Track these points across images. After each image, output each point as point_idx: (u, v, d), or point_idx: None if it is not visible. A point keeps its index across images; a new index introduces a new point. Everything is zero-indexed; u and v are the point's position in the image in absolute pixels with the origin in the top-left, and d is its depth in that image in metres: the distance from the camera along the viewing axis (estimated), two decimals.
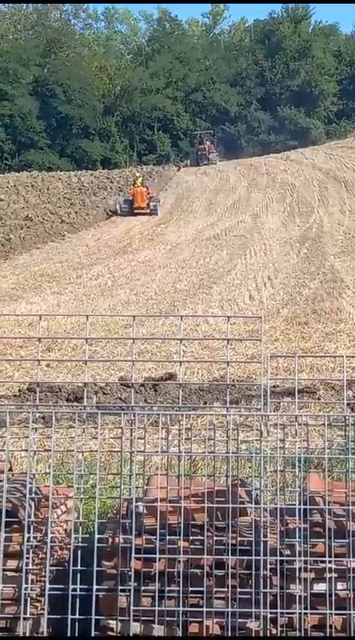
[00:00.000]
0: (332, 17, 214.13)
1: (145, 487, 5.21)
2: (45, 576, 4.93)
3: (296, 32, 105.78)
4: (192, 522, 4.91)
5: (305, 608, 4.79)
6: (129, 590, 4.81)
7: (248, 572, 4.83)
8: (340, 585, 4.84)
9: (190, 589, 4.82)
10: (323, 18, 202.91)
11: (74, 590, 4.84)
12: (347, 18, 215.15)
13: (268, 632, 4.77)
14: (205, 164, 76.00)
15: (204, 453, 5.29)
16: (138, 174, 60.36)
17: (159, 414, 5.54)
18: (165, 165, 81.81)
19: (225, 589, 4.81)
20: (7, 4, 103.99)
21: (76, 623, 4.80)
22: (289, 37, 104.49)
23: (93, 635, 4.77)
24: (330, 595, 4.79)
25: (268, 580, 4.81)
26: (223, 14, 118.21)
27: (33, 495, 5.08)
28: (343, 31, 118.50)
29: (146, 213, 52.23)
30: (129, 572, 4.82)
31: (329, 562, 4.81)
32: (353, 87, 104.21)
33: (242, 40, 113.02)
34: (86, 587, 4.83)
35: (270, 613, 4.77)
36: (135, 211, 52.22)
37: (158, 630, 4.82)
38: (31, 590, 4.93)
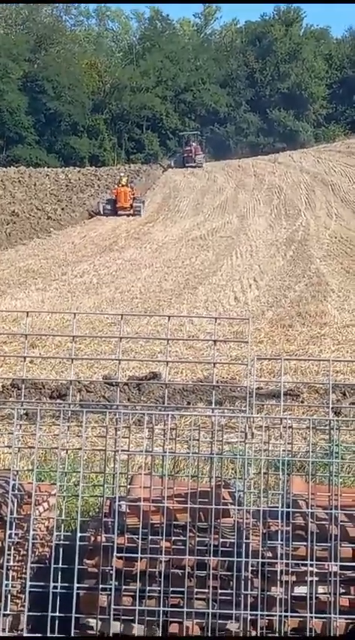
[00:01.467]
0: (323, 21, 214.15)
1: (128, 486, 5.20)
2: (26, 573, 4.92)
3: (287, 35, 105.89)
4: (175, 522, 4.91)
5: (286, 611, 4.79)
6: (110, 589, 4.81)
7: (229, 573, 4.84)
8: (321, 589, 4.84)
9: (171, 589, 4.82)
10: (314, 22, 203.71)
11: (55, 587, 4.83)
12: (339, 22, 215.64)
13: (248, 633, 4.78)
14: (191, 166, 75.63)
15: (188, 453, 5.28)
16: (122, 174, 59.69)
17: (143, 414, 5.54)
18: (153, 165, 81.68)
19: (206, 590, 4.81)
20: None
21: (56, 621, 4.79)
22: (280, 39, 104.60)
23: (72, 633, 4.76)
24: (311, 598, 4.79)
25: (249, 582, 4.81)
26: (215, 15, 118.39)
27: (15, 492, 5.06)
28: (334, 35, 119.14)
29: (129, 214, 51.82)
30: (111, 571, 4.82)
31: (311, 565, 4.82)
32: (342, 91, 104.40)
33: (233, 41, 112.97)
34: (67, 585, 4.83)
35: (250, 615, 4.77)
36: (118, 212, 51.76)
37: (138, 630, 4.81)
38: (12, 586, 4.92)
